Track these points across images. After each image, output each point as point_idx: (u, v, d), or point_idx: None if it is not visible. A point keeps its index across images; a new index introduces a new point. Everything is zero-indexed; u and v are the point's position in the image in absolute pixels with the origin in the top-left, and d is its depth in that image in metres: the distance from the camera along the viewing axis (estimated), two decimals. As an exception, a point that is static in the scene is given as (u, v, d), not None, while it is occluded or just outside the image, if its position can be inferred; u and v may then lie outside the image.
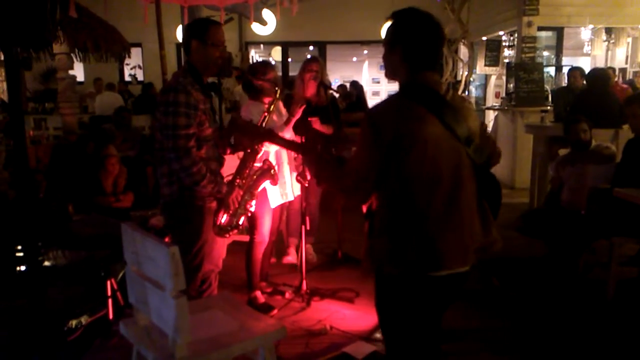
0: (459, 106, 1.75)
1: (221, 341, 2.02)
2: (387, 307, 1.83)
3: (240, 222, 2.82)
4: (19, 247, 3.75)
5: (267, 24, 6.87)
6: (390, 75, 1.83)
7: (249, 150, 2.88)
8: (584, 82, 6.11)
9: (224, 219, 2.69)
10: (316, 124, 3.75)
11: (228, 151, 2.84)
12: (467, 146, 1.73)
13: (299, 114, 3.33)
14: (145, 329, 2.10)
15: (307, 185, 3.40)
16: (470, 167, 1.75)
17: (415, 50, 1.72)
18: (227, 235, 2.77)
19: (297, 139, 3.22)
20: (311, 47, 13.18)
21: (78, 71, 10.45)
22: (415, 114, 1.66)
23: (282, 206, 3.54)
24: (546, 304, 3.45)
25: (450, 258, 1.69)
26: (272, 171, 3.04)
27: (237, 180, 2.80)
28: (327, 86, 3.94)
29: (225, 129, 2.84)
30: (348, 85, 9.57)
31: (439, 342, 1.95)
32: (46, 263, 3.71)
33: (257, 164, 2.99)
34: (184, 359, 1.88)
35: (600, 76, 5.53)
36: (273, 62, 14.28)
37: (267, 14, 7.03)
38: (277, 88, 3.11)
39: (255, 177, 2.92)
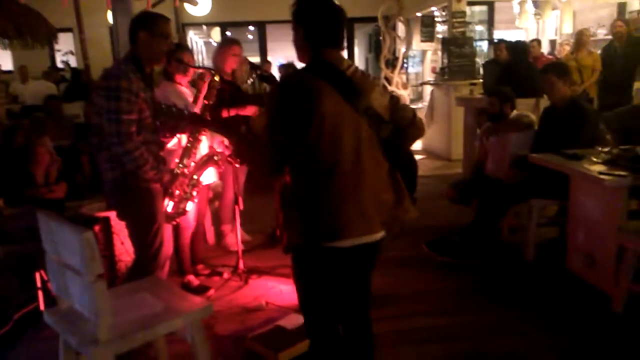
0: (359, 81, 1.82)
1: (146, 322, 2.05)
2: (297, 278, 1.92)
3: (188, 208, 2.93)
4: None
5: (197, 4, 6.74)
6: (299, 57, 1.92)
7: (191, 139, 2.95)
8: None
9: (170, 207, 2.78)
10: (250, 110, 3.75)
11: (167, 135, 2.88)
12: (369, 119, 1.80)
13: (205, 90, 3.25)
14: (69, 316, 2.10)
15: (237, 165, 3.43)
16: (373, 139, 1.82)
17: (314, 31, 1.82)
18: (174, 222, 2.90)
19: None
20: (251, 27, 13.01)
21: (6, 59, 9.99)
22: (314, 88, 1.74)
23: (209, 192, 3.57)
24: (472, 268, 3.64)
25: (350, 228, 1.77)
26: (215, 157, 3.10)
27: (181, 169, 2.88)
28: (257, 67, 3.97)
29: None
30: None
31: (365, 309, 2.04)
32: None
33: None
34: (108, 342, 1.91)
35: (520, 48, 5.78)
36: (214, 44, 14.04)
37: (199, -6, 6.91)
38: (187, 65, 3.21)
39: (200, 163, 3.00)
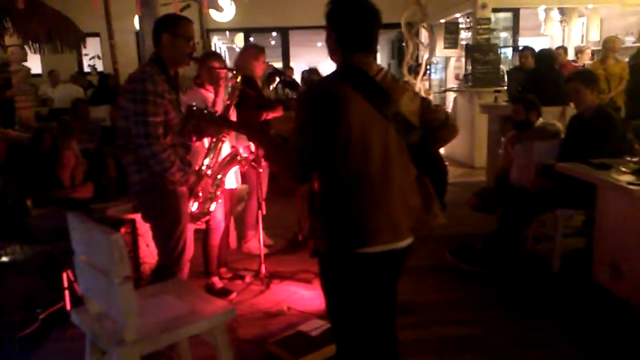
0: (389, 86, 1.81)
1: (171, 324, 2.07)
2: (324, 284, 1.91)
3: (212, 209, 2.94)
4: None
5: (223, 10, 6.81)
6: (331, 57, 1.91)
7: (214, 139, 2.96)
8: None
9: (194, 207, 2.80)
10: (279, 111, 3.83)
11: (194, 139, 2.90)
12: (397, 124, 1.79)
13: (222, 92, 3.31)
14: (97, 316, 2.14)
15: (261, 170, 3.46)
16: (401, 145, 1.81)
17: (346, 34, 1.81)
18: (199, 222, 2.91)
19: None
20: (274, 33, 13.10)
21: (35, 63, 10.21)
22: (342, 95, 1.73)
23: (235, 194, 3.60)
24: (496, 277, 3.60)
25: (379, 234, 1.76)
26: (238, 157, 3.12)
27: (205, 170, 2.90)
28: (280, 72, 4.02)
29: (183, 118, 2.88)
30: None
31: (391, 316, 2.02)
32: (3, 259, 3.69)
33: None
34: (134, 342, 1.94)
35: (546, 56, 5.71)
36: (237, 49, 14.19)
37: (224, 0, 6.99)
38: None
39: (223, 163, 3.01)
